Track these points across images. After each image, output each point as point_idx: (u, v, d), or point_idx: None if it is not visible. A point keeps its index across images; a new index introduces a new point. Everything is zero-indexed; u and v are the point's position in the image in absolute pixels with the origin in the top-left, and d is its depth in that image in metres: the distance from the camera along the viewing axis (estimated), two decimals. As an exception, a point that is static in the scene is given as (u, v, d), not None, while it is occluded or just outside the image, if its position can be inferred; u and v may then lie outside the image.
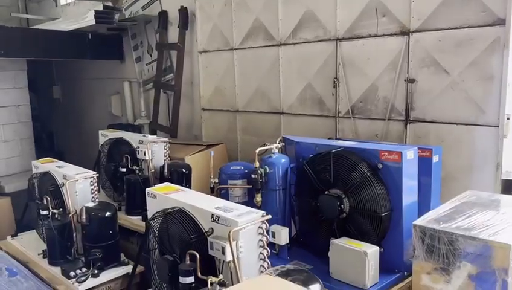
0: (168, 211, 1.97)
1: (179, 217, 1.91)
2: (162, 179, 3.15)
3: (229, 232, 1.64)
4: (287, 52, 3.46)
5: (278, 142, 2.41)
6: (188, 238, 1.83)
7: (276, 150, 2.35)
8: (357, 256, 1.84)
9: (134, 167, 3.28)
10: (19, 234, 3.28)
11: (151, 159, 3.30)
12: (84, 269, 2.61)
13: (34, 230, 3.31)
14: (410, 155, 1.96)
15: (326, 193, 2.08)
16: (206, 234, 1.81)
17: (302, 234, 2.38)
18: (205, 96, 4.29)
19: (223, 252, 1.69)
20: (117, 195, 3.52)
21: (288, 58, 3.47)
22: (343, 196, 2.03)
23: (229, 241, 1.63)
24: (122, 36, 5.35)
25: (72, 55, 5.18)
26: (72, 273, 2.56)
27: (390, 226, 2.00)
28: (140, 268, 2.73)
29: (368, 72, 2.98)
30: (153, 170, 3.24)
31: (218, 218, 1.78)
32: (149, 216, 2.19)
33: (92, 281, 2.55)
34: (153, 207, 2.16)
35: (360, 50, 2.99)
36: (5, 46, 4.61)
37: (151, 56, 5.02)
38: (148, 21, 4.90)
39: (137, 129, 5.12)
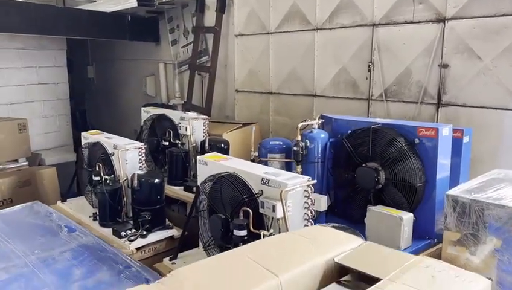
0: (222, 175, 2.18)
1: (231, 180, 2.12)
2: (202, 153, 3.37)
3: (281, 191, 1.84)
4: (322, 37, 3.61)
5: (317, 119, 2.59)
6: (239, 198, 2.04)
7: (316, 126, 2.53)
8: (393, 221, 2.02)
9: (177, 141, 3.51)
10: (68, 200, 3.57)
11: (192, 134, 3.52)
12: (133, 230, 2.86)
13: (80, 197, 3.60)
14: (446, 132, 2.12)
15: (363, 165, 2.26)
16: (256, 195, 2.02)
17: (337, 205, 2.57)
18: (239, 79, 4.48)
19: (274, 210, 1.89)
20: (158, 167, 3.76)
21: (323, 43, 3.62)
22: (380, 168, 2.21)
23: (281, 200, 1.84)
24: (158, 19, 5.56)
25: (112, 36, 5.41)
26: (123, 233, 2.81)
27: (423, 198, 2.18)
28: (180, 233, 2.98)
29: (402, 57, 3.12)
30: (194, 144, 3.46)
31: (269, 181, 1.98)
32: (199, 181, 2.41)
33: (140, 241, 2.80)
34: (203, 173, 2.37)
35: (395, 35, 3.13)
36: (50, 25, 4.87)
37: (186, 39, 5.22)
38: (185, 5, 5.09)
39: (171, 109, 5.35)
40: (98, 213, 3.08)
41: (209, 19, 4.78)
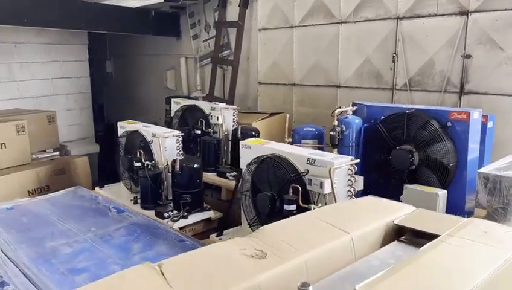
0: (268, 156, 2.36)
1: (278, 160, 2.30)
2: (234, 140, 3.55)
3: (330, 169, 2.02)
4: (347, 30, 3.78)
5: (351, 106, 2.76)
6: (287, 177, 2.22)
7: (351, 112, 2.70)
8: (429, 197, 2.20)
9: (209, 130, 3.69)
10: (105, 185, 3.75)
11: (223, 123, 3.70)
12: (175, 212, 3.04)
13: (115, 183, 3.79)
14: (476, 116, 2.29)
15: (398, 148, 2.44)
16: (302, 174, 2.20)
17: (369, 187, 2.74)
18: (262, 71, 4.65)
19: (321, 187, 2.07)
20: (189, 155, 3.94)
21: (347, 36, 3.79)
22: (414, 150, 2.39)
23: (330, 176, 2.01)
24: (180, 15, 5.72)
25: (136, 31, 5.59)
26: (166, 214, 2.99)
27: (454, 177, 2.35)
28: (218, 214, 3.16)
29: (426, 48, 3.29)
30: (226, 133, 3.64)
31: (314, 161, 2.16)
32: (243, 164, 2.59)
33: (181, 222, 2.98)
34: (247, 156, 2.55)
35: (419, 28, 3.30)
36: (76, 19, 5.02)
37: (208, 33, 5.39)
38: (207, 0, 5.26)
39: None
40: (139, 197, 3.27)
41: (231, 13, 4.94)
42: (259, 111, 4.28)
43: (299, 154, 2.25)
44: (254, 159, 2.46)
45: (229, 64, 4.93)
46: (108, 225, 2.64)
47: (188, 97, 5.64)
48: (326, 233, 1.36)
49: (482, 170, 2.17)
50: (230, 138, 3.66)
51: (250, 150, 2.54)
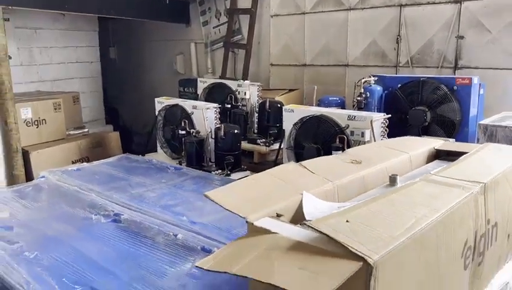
0: (312, 116, 2.91)
1: (322, 119, 2.85)
2: (261, 112, 4.08)
3: (371, 120, 2.59)
4: (355, 16, 4.36)
5: (371, 76, 3.34)
6: (331, 131, 2.78)
7: (373, 82, 3.28)
8: (442, 144, 2.81)
9: (238, 104, 4.20)
10: (146, 155, 4.20)
11: (250, 98, 4.21)
12: (219, 171, 3.55)
13: (150, 153, 4.24)
14: (476, 81, 2.92)
15: (413, 109, 3.04)
16: (344, 128, 2.77)
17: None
18: (274, 54, 5.18)
19: (362, 136, 2.64)
20: (217, 128, 4.43)
21: (355, 21, 4.37)
22: (427, 110, 3.00)
23: (371, 127, 2.58)
24: (189, 2, 6.15)
25: (148, 17, 5.94)
26: (213, 173, 3.50)
27: (459, 131, 2.97)
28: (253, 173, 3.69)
29: (425, 31, 3.91)
30: (255, 106, 4.17)
31: (355, 116, 2.72)
32: (288, 126, 3.13)
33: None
34: (290, 118, 3.09)
35: (420, 13, 3.91)
36: (87, 3, 5.27)
37: (218, 20, 5.86)
38: (217, -13, 5.72)
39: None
40: (184, 161, 3.75)
41: (242, 1, 5.43)
42: (278, 88, 4.81)
43: (339, 112, 2.81)
44: (299, 119, 3.00)
45: (242, 48, 5.42)
46: (174, 178, 3.12)
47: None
48: (392, 153, 1.92)
49: (482, 122, 2.79)
50: (257, 110, 4.18)
51: (293, 113, 3.08)
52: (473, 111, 2.95)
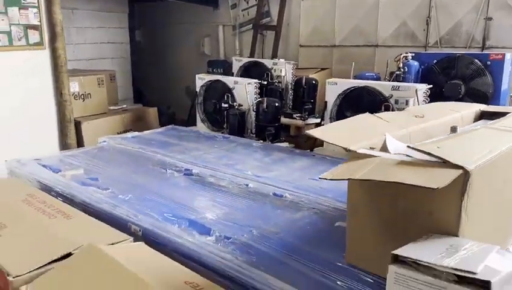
0: (357, 86, 3.16)
1: (367, 89, 3.10)
2: (297, 88, 4.34)
3: (416, 89, 2.84)
4: (385, -1, 4.59)
5: (408, 52, 3.58)
6: (377, 99, 3.03)
7: (410, 57, 3.53)
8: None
9: (274, 81, 4.45)
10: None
11: (285, 75, 4.46)
12: (261, 141, 3.81)
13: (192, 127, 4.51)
14: (508, 56, 3.16)
15: (449, 82, 3.28)
16: (388, 97, 3.01)
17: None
18: (303, 35, 5.41)
19: (407, 104, 2.89)
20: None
21: (386, 3, 4.59)
22: (461, 83, 3.24)
23: (416, 95, 2.83)
24: (217, -15, 6.38)
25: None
26: (254, 143, 3.75)
27: (490, 103, 3.21)
28: (291, 145, 3.94)
29: (454, 12, 4.13)
30: (291, 83, 4.41)
31: (399, 87, 2.97)
32: (330, 98, 3.38)
33: (269, 149, 3.75)
34: (333, 91, 3.33)
35: (450, -4, 4.15)
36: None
37: (247, 3, 6.08)
38: (247, -28, 5.94)
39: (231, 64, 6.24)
40: (226, 133, 4.01)
41: (272, -16, 5.65)
42: (309, 67, 5.05)
43: (383, 83, 3.06)
44: (342, 91, 3.25)
45: (271, 30, 5.65)
46: (224, 144, 3.38)
47: (226, 61, 6.36)
48: (445, 111, 2.17)
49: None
50: (292, 87, 4.43)
51: (337, 86, 3.33)
52: (504, 84, 3.20)
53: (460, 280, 1.01)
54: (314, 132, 1.59)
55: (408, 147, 1.34)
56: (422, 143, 1.40)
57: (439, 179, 1.15)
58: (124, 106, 5.27)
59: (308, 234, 1.82)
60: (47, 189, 2.35)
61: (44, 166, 2.75)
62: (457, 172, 1.19)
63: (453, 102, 2.59)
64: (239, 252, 1.63)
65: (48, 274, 1.44)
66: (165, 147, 3.22)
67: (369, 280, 1.41)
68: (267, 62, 4.60)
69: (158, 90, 7.74)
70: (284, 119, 4.27)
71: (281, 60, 4.56)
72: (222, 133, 4.04)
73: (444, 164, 1.24)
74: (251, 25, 5.98)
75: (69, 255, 1.50)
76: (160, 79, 7.73)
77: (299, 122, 4.17)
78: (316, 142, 3.53)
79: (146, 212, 1.99)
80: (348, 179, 1.27)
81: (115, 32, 6.61)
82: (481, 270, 1.00)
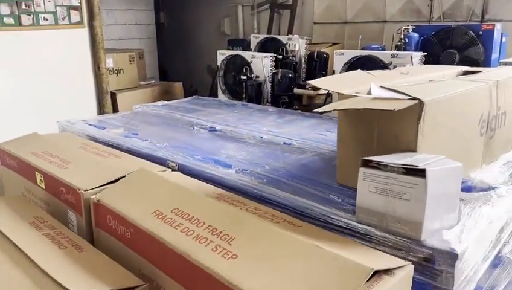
0: (362, 56, 3.55)
1: (370, 57, 3.49)
2: (310, 61, 4.74)
3: (411, 56, 3.21)
4: (393, -24, 4.91)
5: (409, 25, 3.93)
6: (377, 67, 3.42)
7: (411, 29, 3.88)
8: (468, 78, 3.42)
9: (288, 54, 4.85)
10: (208, 98, 4.93)
11: (299, 50, 4.86)
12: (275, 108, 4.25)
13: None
14: (498, 26, 3.48)
15: (445, 51, 3.64)
16: (387, 64, 3.40)
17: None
18: (317, 13, 5.77)
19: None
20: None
21: (393, -19, 4.92)
22: (456, 52, 3.59)
23: (411, 61, 3.21)
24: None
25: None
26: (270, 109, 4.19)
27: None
28: (304, 114, 4.36)
29: (457, -12, 4.44)
30: (305, 57, 4.82)
31: (397, 55, 3.35)
32: (337, 67, 3.77)
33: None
34: (340, 60, 3.73)
35: (452, -27, 4.44)
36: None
37: (265, -16, 6.45)
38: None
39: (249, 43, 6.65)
40: (245, 102, 4.46)
41: (288, -35, 6.00)
42: (321, 42, 5.43)
43: (384, 52, 3.45)
44: (348, 60, 3.65)
45: (287, 9, 6.03)
46: (243, 110, 3.82)
47: (245, 40, 6.77)
48: (431, 70, 2.55)
49: (502, 60, 3.38)
50: (305, 61, 4.83)
51: (343, 56, 3.72)
52: (494, 54, 3.53)
53: (407, 172, 1.44)
54: (313, 82, 2.02)
55: (381, 86, 1.76)
56: (394, 84, 1.82)
57: (398, 105, 1.58)
58: (152, 81, 5.77)
59: (309, 168, 2.27)
60: (96, 141, 2.85)
61: (90, 125, 3.26)
62: (414, 102, 1.61)
63: (441, 65, 2.96)
64: (254, 178, 2.09)
65: (110, 188, 1.93)
66: (191, 112, 3.69)
67: (351, 193, 1.84)
68: (282, 38, 5.00)
69: (181, 69, 8.23)
70: (297, 90, 4.69)
71: (295, 35, 4.95)
72: (241, 101, 4.50)
73: (407, 96, 1.66)
74: (268, 4, 6.36)
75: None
76: (182, 58, 8.20)
77: (311, 92, 4.57)
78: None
79: (180, 154, 2.47)
80: (333, 110, 1.70)
81: (141, 14, 7.08)
82: (422, 165, 1.43)
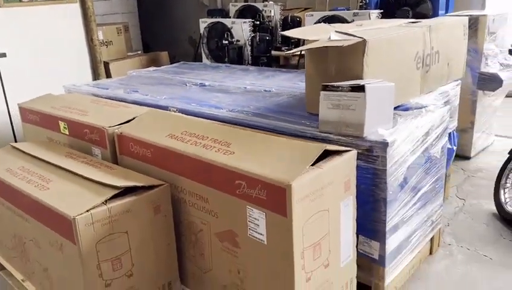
0: (329, 15, 4.05)
1: (335, 17, 4.00)
2: (285, 24, 5.21)
3: (369, 13, 3.73)
4: None
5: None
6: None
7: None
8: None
9: (265, 20, 5.31)
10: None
11: (275, 15, 5.32)
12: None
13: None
14: (445, -15, 4.03)
15: (399, 9, 4.17)
16: (349, 22, 3.91)
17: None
18: (289, -19, 6.20)
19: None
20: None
21: None
22: (409, 9, 4.13)
23: (369, 18, 3.73)
24: None
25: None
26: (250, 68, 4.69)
27: (432, 23, 4.11)
28: (281, 73, 4.88)
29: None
30: (280, 22, 5.28)
31: (358, 13, 3.86)
32: (308, 24, 4.27)
33: (262, 74, 4.70)
34: (311, 21, 4.23)
35: None
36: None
37: (239, -45, 6.80)
38: None
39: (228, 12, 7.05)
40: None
41: None
42: (293, 7, 5.90)
43: (347, 12, 3.96)
44: (317, 20, 4.15)
45: (261, -22, 6.43)
46: (227, 70, 4.31)
47: (223, 10, 7.16)
48: (380, 22, 3.08)
49: (447, 15, 3.94)
50: (280, 25, 5.30)
51: (313, 17, 4.22)
52: (441, 10, 4.08)
53: (353, 89, 1.99)
54: (286, 32, 2.54)
55: (336, 31, 2.29)
56: (345, 29, 2.35)
57: (347, 42, 2.11)
58: (139, 51, 6.17)
59: (285, 105, 2.80)
60: (103, 98, 3.32)
61: (93, 86, 3.72)
62: (359, 39, 2.14)
63: (391, 19, 3.50)
64: (241, 114, 2.61)
65: (128, 124, 2.43)
66: (181, 74, 4.16)
67: (316, 117, 2.38)
68: (259, 5, 5.44)
69: (163, 41, 8.56)
70: (274, 52, 5.17)
71: (270, 2, 5.40)
72: (225, 64, 4.97)
73: (354, 37, 2.20)
74: (244, -26, 6.74)
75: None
76: (164, 31, 8.54)
77: (286, 53, 5.07)
78: (299, 67, 4.48)
79: (179, 102, 2.97)
80: (299, 50, 2.23)
81: (122, -12, 7.37)
82: (363, 84, 1.98)
